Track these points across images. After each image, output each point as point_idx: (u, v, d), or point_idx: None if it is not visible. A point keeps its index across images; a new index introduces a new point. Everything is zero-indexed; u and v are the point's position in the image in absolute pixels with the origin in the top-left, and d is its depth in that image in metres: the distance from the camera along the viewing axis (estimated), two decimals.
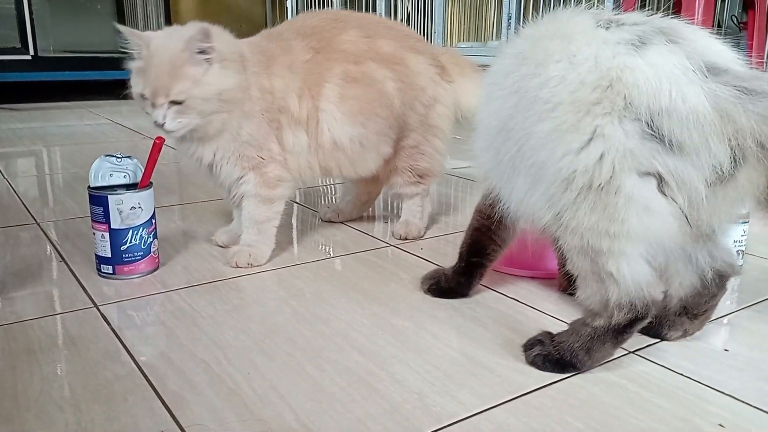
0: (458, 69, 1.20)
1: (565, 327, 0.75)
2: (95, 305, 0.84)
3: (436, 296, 0.89)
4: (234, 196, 1.03)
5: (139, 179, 0.95)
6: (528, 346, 0.72)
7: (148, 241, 0.94)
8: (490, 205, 0.81)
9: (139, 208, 0.92)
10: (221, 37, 0.95)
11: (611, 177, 0.61)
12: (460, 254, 0.89)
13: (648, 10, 0.67)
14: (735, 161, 0.60)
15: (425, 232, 1.19)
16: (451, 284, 0.89)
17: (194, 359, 0.71)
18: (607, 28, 0.65)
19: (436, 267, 0.95)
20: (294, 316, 0.83)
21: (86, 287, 0.90)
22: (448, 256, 1.06)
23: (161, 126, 0.91)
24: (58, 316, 0.81)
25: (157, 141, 0.95)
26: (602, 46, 0.63)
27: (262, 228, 1.02)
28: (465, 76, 1.20)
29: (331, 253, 1.07)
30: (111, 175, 0.93)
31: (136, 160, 0.97)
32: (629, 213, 0.62)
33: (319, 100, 1.03)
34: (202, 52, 0.91)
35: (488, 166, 0.77)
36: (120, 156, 0.95)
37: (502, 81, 0.72)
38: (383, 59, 1.09)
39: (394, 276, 0.98)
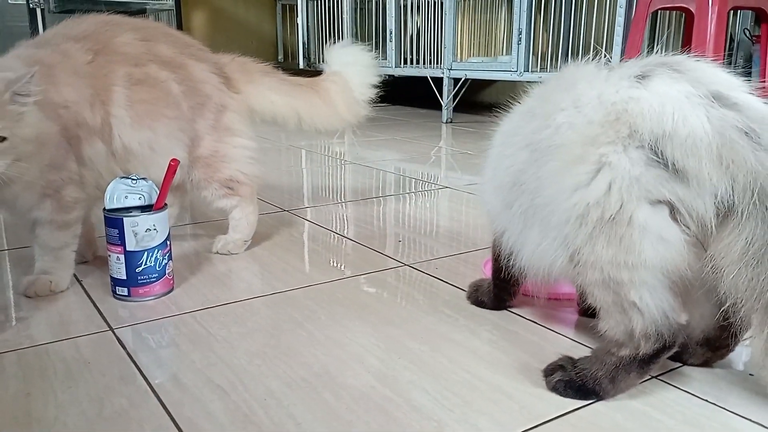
0: (246, 77, 1.19)
1: (585, 351, 0.74)
2: (110, 328, 0.84)
3: (473, 304, 0.93)
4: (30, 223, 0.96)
5: (153, 201, 0.95)
6: (549, 372, 0.70)
7: (163, 263, 0.94)
8: (500, 256, 0.82)
9: (154, 230, 0.92)
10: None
11: (621, 207, 0.61)
12: (492, 272, 0.89)
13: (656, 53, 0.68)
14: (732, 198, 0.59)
15: (246, 246, 1.18)
16: (485, 298, 0.92)
17: (209, 385, 0.71)
18: (610, 70, 0.66)
19: (482, 278, 0.97)
20: (309, 340, 0.82)
21: (101, 310, 0.90)
22: (463, 276, 1.05)
23: None
24: (73, 340, 0.80)
25: (172, 163, 0.95)
26: (604, 84, 0.66)
27: (60, 255, 0.97)
28: (254, 82, 1.20)
29: (345, 273, 1.07)
30: (126, 196, 0.93)
31: (150, 182, 0.96)
32: (644, 243, 0.61)
33: (110, 105, 1.00)
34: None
35: (502, 223, 0.78)
36: (135, 178, 0.95)
37: (512, 138, 0.76)
38: (164, 62, 1.07)
39: (409, 297, 0.97)
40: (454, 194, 1.64)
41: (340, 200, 1.58)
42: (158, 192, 0.95)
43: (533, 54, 2.74)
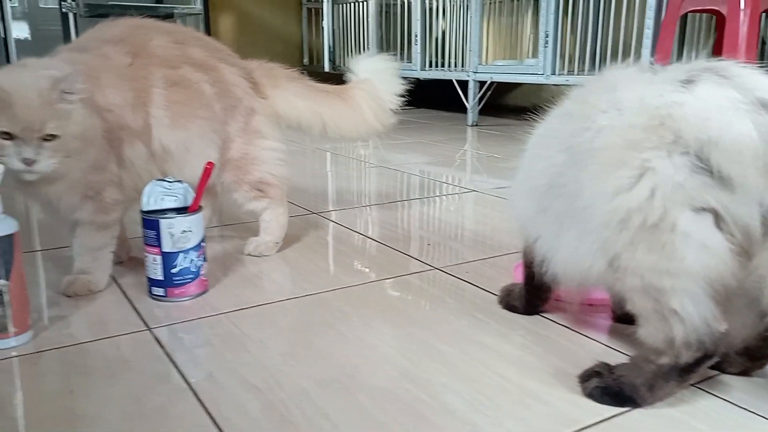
0: (272, 81, 1.21)
1: (619, 357, 0.74)
2: (148, 328, 0.86)
3: (505, 309, 0.93)
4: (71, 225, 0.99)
5: (189, 203, 0.96)
6: (585, 378, 0.70)
7: (198, 264, 0.96)
8: (533, 261, 0.82)
9: (190, 231, 0.93)
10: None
11: (664, 213, 0.61)
12: (523, 276, 0.89)
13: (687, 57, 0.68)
14: None
15: (277, 248, 1.19)
16: (516, 302, 0.92)
17: (245, 384, 0.72)
18: (654, 73, 0.66)
19: (513, 282, 0.96)
20: (341, 341, 0.83)
21: (139, 310, 0.92)
22: (493, 279, 1.05)
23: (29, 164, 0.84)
24: (112, 339, 0.82)
25: (207, 166, 0.97)
26: (647, 87, 0.65)
27: (98, 255, 0.99)
28: (279, 87, 1.21)
29: (373, 275, 1.07)
30: (163, 198, 0.95)
31: (186, 184, 0.98)
32: (687, 250, 0.60)
33: (150, 106, 1.02)
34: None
35: (535, 228, 0.78)
36: (171, 180, 0.97)
37: (549, 141, 0.75)
38: (196, 64, 1.09)
39: (440, 300, 0.97)
40: (481, 198, 1.64)
41: (367, 203, 1.59)
42: (194, 194, 0.97)
43: (560, 56, 2.72)
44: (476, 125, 3.15)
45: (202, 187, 0.96)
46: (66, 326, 0.86)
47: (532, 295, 0.90)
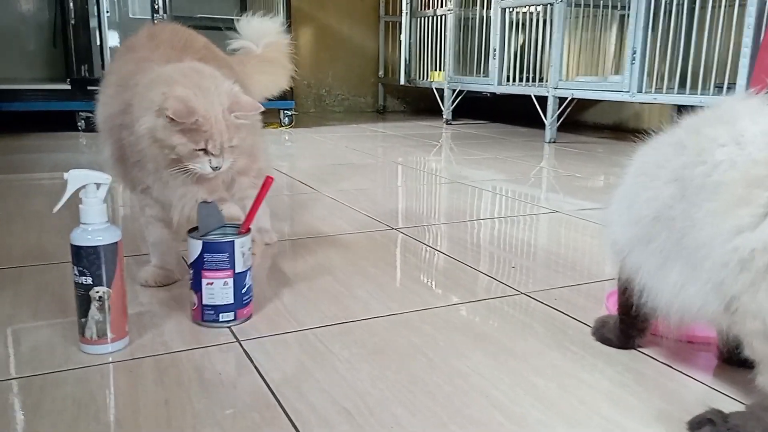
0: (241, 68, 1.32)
1: (727, 402, 0.69)
2: (237, 340, 0.86)
3: (598, 341, 0.88)
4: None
5: (221, 220, 0.94)
6: (696, 425, 0.65)
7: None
8: (629, 294, 0.78)
9: (249, 247, 0.92)
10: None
11: None
12: (618, 308, 0.85)
13: None
14: None
15: None
16: (611, 335, 0.87)
17: (336, 406, 0.71)
18: None
19: (608, 314, 0.92)
20: (430, 367, 0.81)
21: None
22: (584, 308, 1.00)
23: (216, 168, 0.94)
24: (204, 349, 0.83)
25: (268, 180, 0.95)
26: None
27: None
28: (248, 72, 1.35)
29: (459, 297, 1.05)
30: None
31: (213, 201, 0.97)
32: None
33: None
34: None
35: (635, 260, 0.74)
36: (210, 200, 0.96)
37: (657, 171, 0.72)
38: (223, 61, 1.18)
39: (529, 328, 0.93)
40: (565, 219, 1.59)
41: (444, 220, 1.56)
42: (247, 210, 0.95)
43: (647, 74, 2.62)
44: (554, 142, 3.08)
45: (260, 201, 0.94)
46: (160, 334, 0.87)
47: (628, 327, 0.85)
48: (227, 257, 0.88)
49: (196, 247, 0.88)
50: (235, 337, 0.87)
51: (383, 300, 1.03)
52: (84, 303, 0.78)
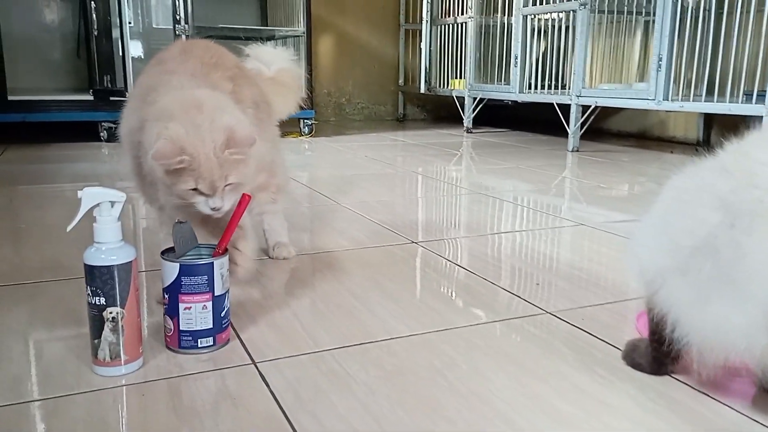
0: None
1: None
2: (253, 362, 0.84)
3: (629, 366, 0.84)
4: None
5: (193, 241, 0.89)
6: None
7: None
8: (661, 327, 0.74)
9: (227, 268, 0.89)
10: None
11: None
12: (648, 334, 0.81)
13: None
14: None
15: None
16: (642, 360, 0.83)
17: None
18: None
19: (640, 337, 0.88)
20: (450, 391, 0.78)
21: (243, 340, 0.90)
22: (613, 329, 0.96)
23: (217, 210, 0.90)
24: (218, 372, 0.81)
25: (245, 197, 0.91)
26: None
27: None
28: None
29: (481, 316, 1.01)
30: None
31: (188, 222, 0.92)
32: None
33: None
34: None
35: (670, 287, 0.71)
36: (183, 221, 0.90)
37: (698, 196, 0.68)
38: (250, 79, 1.16)
39: (554, 349, 0.90)
40: (591, 232, 1.55)
41: (465, 233, 1.53)
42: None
43: (674, 81, 2.56)
44: (577, 150, 3.02)
45: (237, 219, 0.90)
46: (174, 355, 0.85)
47: (661, 353, 0.81)
48: (206, 280, 0.84)
49: (172, 270, 0.83)
50: (251, 358, 0.85)
51: (403, 318, 1.00)
52: (97, 324, 0.77)
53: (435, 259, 1.32)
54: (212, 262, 0.84)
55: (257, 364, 0.83)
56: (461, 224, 1.63)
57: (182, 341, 0.85)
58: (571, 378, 0.81)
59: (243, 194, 0.91)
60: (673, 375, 0.82)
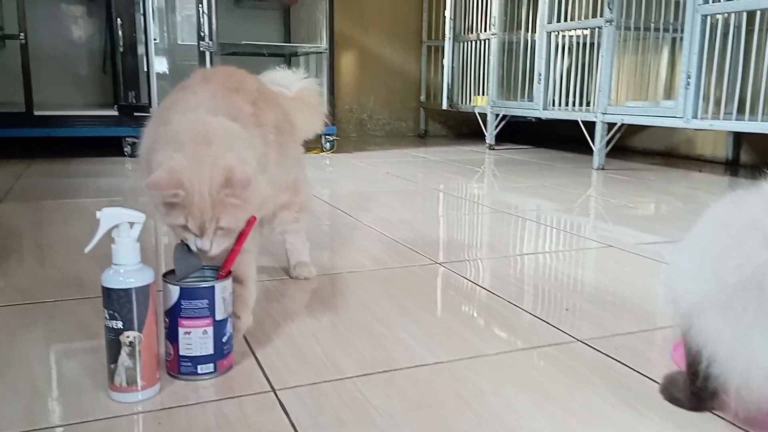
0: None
1: None
2: (273, 389, 0.81)
3: (667, 400, 0.80)
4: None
5: (196, 264, 0.85)
6: None
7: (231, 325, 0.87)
8: (698, 364, 0.70)
9: (230, 292, 0.86)
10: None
11: None
12: (686, 368, 0.77)
13: None
14: None
15: None
16: (681, 395, 0.78)
17: None
18: None
19: (678, 370, 0.84)
20: (478, 424, 0.74)
21: (263, 366, 0.87)
22: (648, 359, 0.92)
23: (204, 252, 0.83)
24: (237, 399, 0.78)
25: (251, 219, 0.88)
26: None
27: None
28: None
29: (509, 343, 0.98)
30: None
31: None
32: None
33: (270, 151, 1.04)
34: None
35: (712, 330, 0.67)
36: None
37: (747, 234, 0.64)
38: (272, 101, 1.12)
39: (587, 381, 0.86)
40: (621, 255, 1.50)
41: (492, 254, 1.49)
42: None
43: (703, 99, 2.51)
44: (602, 168, 2.97)
45: (242, 242, 0.87)
46: (191, 381, 0.83)
47: (698, 389, 0.77)
48: (207, 304, 0.81)
49: (172, 293, 0.80)
50: (271, 385, 0.82)
51: (427, 344, 0.96)
52: (114, 348, 0.74)
53: (458, 280, 1.28)
54: (213, 286, 0.81)
55: (277, 392, 0.80)
56: (484, 244, 1.59)
57: (182, 367, 0.82)
58: (608, 413, 0.77)
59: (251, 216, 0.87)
60: (714, 412, 0.77)
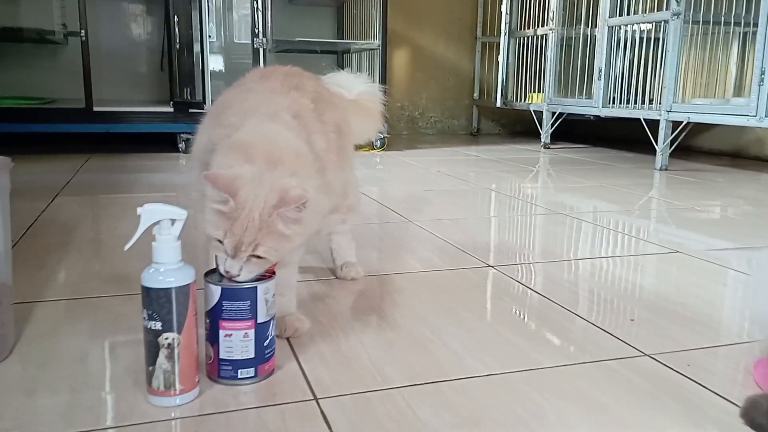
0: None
1: None
2: (315, 398, 0.77)
3: (748, 426, 0.72)
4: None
5: None
6: None
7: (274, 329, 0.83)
8: None
9: (273, 293, 0.81)
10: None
11: None
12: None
13: None
14: None
15: None
16: (763, 420, 0.70)
17: None
18: None
19: (761, 392, 0.76)
20: None
21: (306, 372, 0.83)
22: (724, 378, 0.83)
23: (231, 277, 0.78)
24: (278, 407, 0.74)
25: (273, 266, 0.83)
26: None
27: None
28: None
29: (569, 356, 0.91)
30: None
31: None
32: None
33: (330, 150, 0.99)
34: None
35: None
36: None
37: None
38: (330, 102, 1.06)
39: (654, 399, 0.78)
40: (690, 261, 1.40)
41: (547, 258, 1.41)
42: None
43: None
44: (666, 169, 2.83)
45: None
46: (231, 387, 0.79)
47: None
48: (248, 305, 0.77)
49: (213, 293, 0.77)
50: (313, 393, 0.78)
51: (479, 354, 0.90)
52: (152, 350, 0.72)
53: (511, 285, 1.22)
54: (256, 286, 0.77)
55: (319, 401, 0.76)
56: (539, 247, 1.51)
57: (222, 371, 0.79)
58: None
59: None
60: None
